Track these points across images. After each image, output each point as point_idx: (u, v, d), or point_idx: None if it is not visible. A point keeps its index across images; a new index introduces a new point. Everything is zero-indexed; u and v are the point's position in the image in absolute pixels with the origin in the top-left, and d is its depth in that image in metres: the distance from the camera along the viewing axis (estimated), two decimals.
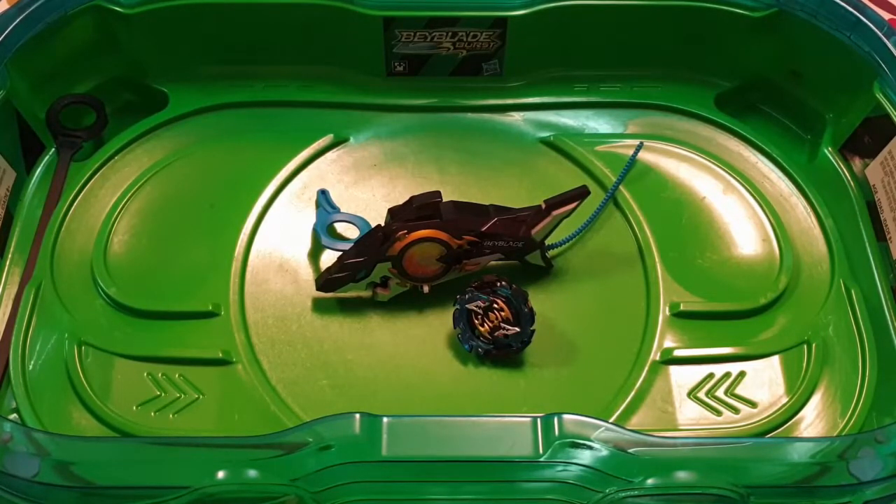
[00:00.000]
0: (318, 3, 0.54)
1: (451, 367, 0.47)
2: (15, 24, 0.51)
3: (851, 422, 0.44)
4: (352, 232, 0.51)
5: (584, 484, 0.36)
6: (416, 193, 0.47)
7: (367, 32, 0.55)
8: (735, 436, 0.44)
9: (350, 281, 0.47)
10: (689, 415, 0.45)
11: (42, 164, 0.55)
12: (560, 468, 0.36)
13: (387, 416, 0.37)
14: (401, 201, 0.47)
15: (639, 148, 0.55)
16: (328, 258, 0.50)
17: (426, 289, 0.48)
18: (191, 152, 0.55)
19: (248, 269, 0.50)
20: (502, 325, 0.45)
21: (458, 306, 0.47)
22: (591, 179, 0.54)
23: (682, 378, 0.46)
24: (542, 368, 0.47)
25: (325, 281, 0.47)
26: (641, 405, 0.45)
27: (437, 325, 0.48)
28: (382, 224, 0.47)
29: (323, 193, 0.53)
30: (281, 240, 0.51)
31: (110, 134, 0.56)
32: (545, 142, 0.56)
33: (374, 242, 0.46)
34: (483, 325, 0.46)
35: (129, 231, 0.51)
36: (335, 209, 0.52)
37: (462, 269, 0.48)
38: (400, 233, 0.45)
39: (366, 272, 0.47)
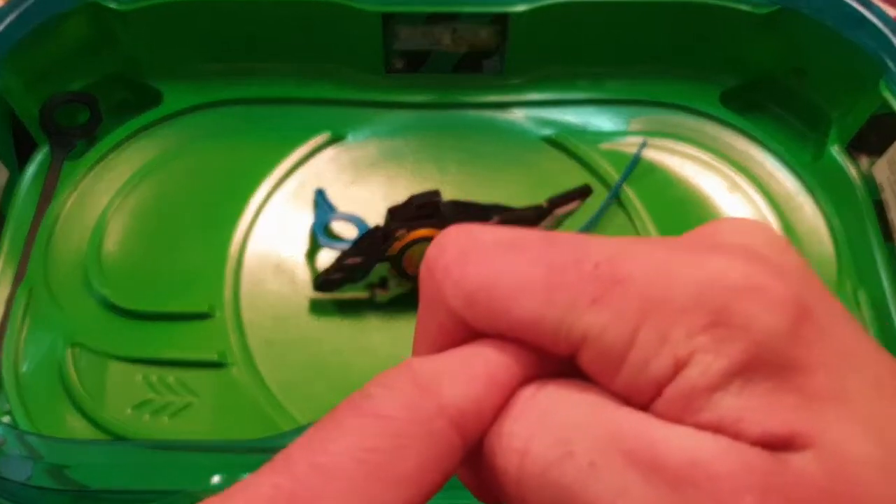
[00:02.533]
0: None
1: None
2: (9, 21, 0.51)
3: None
4: (350, 232, 0.51)
5: None
6: (415, 192, 0.46)
7: (366, 28, 0.55)
8: None
9: (348, 281, 0.46)
10: None
11: (35, 163, 0.54)
12: None
13: None
14: (400, 200, 0.47)
15: (643, 146, 0.55)
16: (326, 258, 0.50)
17: None
18: (185, 150, 0.55)
19: (244, 269, 0.49)
20: None
21: None
22: (595, 178, 0.54)
23: None
24: None
25: (323, 281, 0.47)
26: None
27: None
28: (381, 224, 0.47)
29: (320, 193, 0.52)
30: (277, 239, 0.51)
31: (104, 132, 0.56)
32: (547, 139, 0.56)
33: (373, 242, 0.46)
34: None
35: (123, 231, 0.51)
36: (333, 209, 0.52)
37: None
38: (399, 232, 0.45)
39: (364, 272, 0.46)
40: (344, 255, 0.47)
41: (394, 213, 0.47)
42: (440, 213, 0.46)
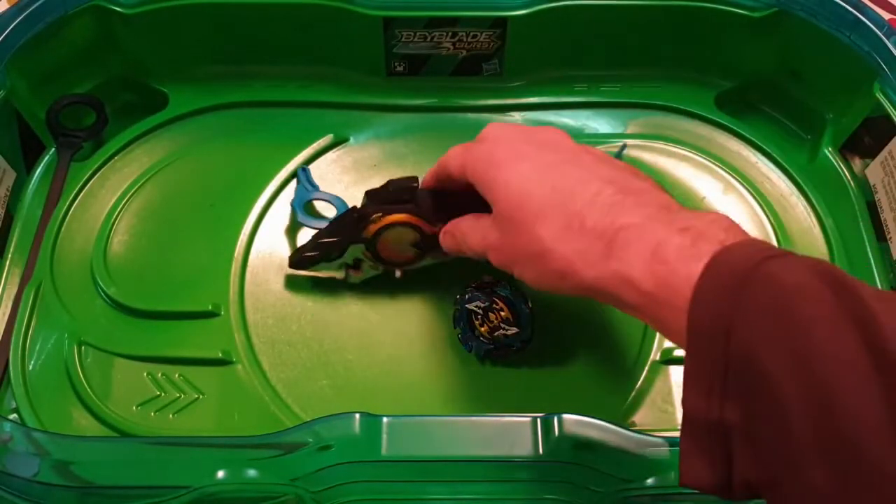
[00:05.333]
0: (318, 2, 0.54)
1: (451, 367, 0.47)
2: (15, 24, 0.51)
3: None
4: (330, 211, 0.51)
5: (584, 484, 0.36)
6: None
7: (367, 32, 0.55)
8: None
9: (323, 260, 0.47)
10: None
11: (42, 164, 0.55)
12: (560, 468, 0.36)
13: (386, 415, 0.37)
14: None
15: (623, 149, 0.55)
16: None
17: (399, 273, 0.47)
18: (191, 152, 0.55)
19: (248, 269, 0.50)
20: (502, 325, 0.45)
21: (458, 306, 0.46)
22: None
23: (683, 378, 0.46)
24: (542, 368, 0.47)
25: (298, 259, 0.47)
26: (641, 405, 0.45)
27: (437, 325, 0.48)
28: (359, 206, 0.47)
29: (304, 171, 0.52)
30: (281, 240, 0.51)
31: (110, 134, 0.56)
32: None
33: (349, 223, 0.46)
34: (483, 326, 0.46)
35: (128, 231, 0.51)
36: (315, 187, 0.52)
37: (442, 255, 0.47)
38: (374, 215, 0.45)
39: (339, 253, 0.46)
40: (319, 235, 0.47)
41: (371, 195, 0.46)
42: (416, 199, 0.45)
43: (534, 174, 0.36)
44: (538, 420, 0.36)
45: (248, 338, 0.47)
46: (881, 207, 0.51)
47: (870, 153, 0.53)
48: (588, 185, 0.35)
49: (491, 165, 0.38)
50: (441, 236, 0.44)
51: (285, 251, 0.51)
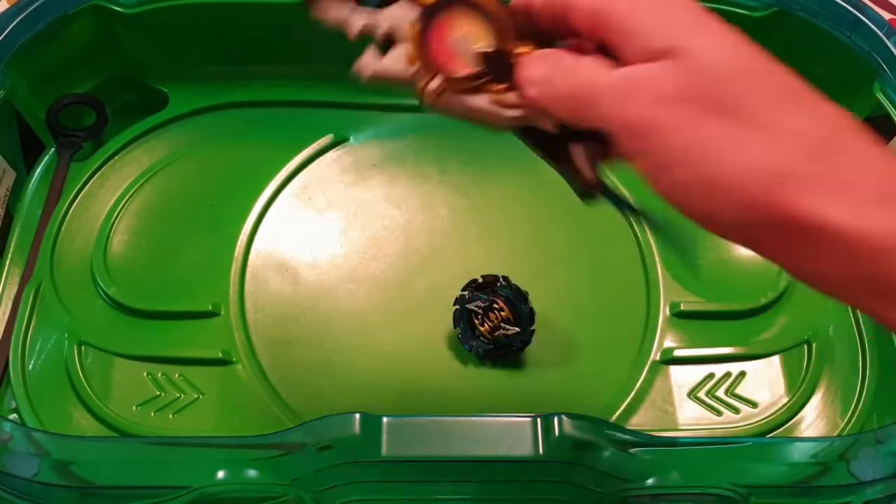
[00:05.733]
0: None
1: (451, 367, 0.47)
2: (15, 23, 0.51)
3: (852, 422, 0.44)
4: None
5: (585, 484, 0.36)
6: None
7: None
8: (735, 436, 0.44)
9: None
10: (689, 415, 0.45)
11: (42, 164, 0.55)
12: (560, 468, 0.36)
13: (387, 416, 0.37)
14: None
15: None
16: (328, 259, 0.50)
17: (434, 86, 0.32)
18: (190, 152, 0.55)
19: (248, 269, 0.50)
20: (502, 325, 0.45)
21: (458, 306, 0.46)
22: None
23: (682, 378, 0.46)
24: (542, 368, 0.47)
25: None
26: (641, 405, 0.45)
27: (437, 325, 0.48)
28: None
29: None
30: (281, 240, 0.51)
31: (110, 134, 0.56)
32: None
33: None
34: (483, 325, 0.46)
35: (128, 231, 0.51)
36: None
37: (505, 91, 0.30)
38: None
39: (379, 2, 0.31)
40: None
41: None
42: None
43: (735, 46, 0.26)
44: (538, 420, 0.36)
45: (248, 338, 0.47)
46: None
47: None
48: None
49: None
50: (528, 68, 0.28)
51: (285, 251, 0.51)
